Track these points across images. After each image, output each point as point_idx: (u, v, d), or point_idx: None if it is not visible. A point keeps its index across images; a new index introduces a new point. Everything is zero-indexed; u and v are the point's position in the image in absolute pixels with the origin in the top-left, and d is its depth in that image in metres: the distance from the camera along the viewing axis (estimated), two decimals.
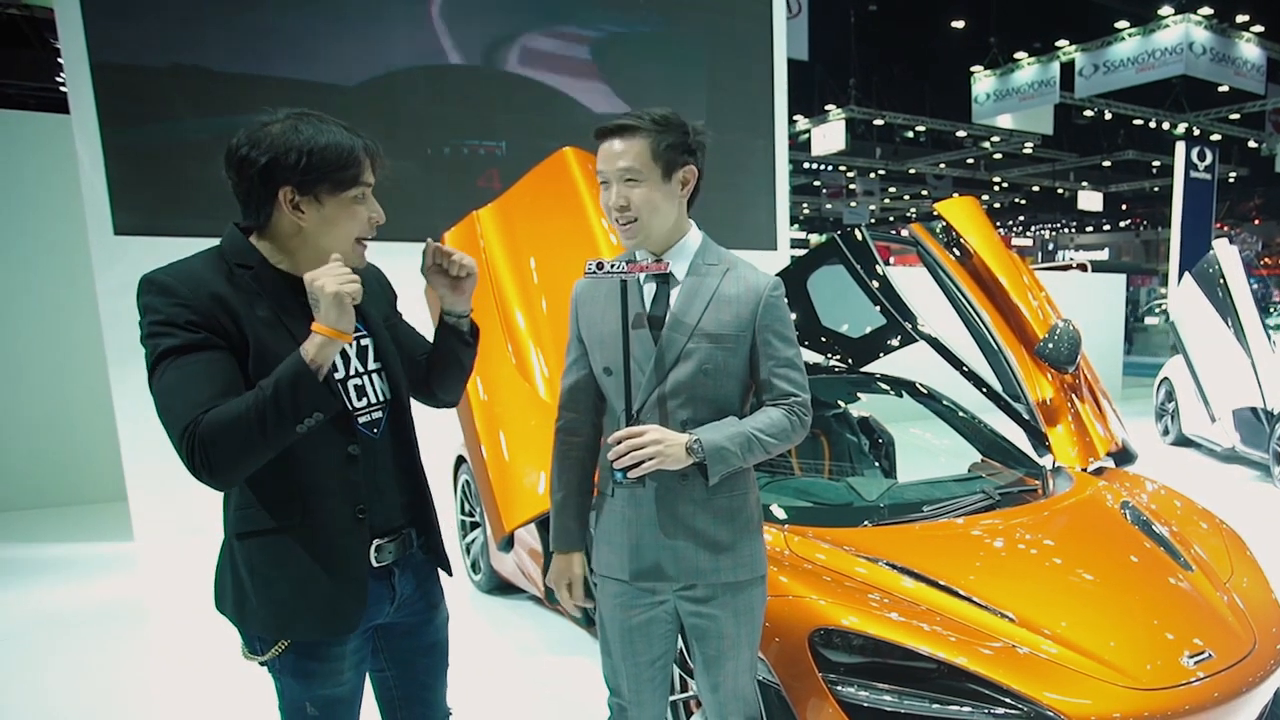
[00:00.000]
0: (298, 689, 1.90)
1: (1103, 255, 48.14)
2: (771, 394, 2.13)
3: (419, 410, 2.13)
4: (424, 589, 2.09)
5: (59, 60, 7.03)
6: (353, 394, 1.91)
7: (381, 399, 1.97)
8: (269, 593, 1.84)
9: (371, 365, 1.97)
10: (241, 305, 1.75)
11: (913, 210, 44.74)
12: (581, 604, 2.35)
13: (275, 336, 1.77)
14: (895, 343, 4.58)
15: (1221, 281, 7.78)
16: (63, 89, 6.35)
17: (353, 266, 1.85)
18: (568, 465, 2.31)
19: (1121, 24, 19.75)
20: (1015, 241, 49.13)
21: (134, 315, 1.75)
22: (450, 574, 2.18)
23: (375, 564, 1.93)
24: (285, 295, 1.81)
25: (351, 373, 1.92)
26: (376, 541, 1.93)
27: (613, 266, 2.02)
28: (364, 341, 1.96)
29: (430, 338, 2.19)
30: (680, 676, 3.03)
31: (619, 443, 2.01)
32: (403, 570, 2.02)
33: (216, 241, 1.87)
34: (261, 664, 1.91)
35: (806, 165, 32.04)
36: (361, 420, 1.91)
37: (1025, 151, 31.05)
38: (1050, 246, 51.76)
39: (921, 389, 4.54)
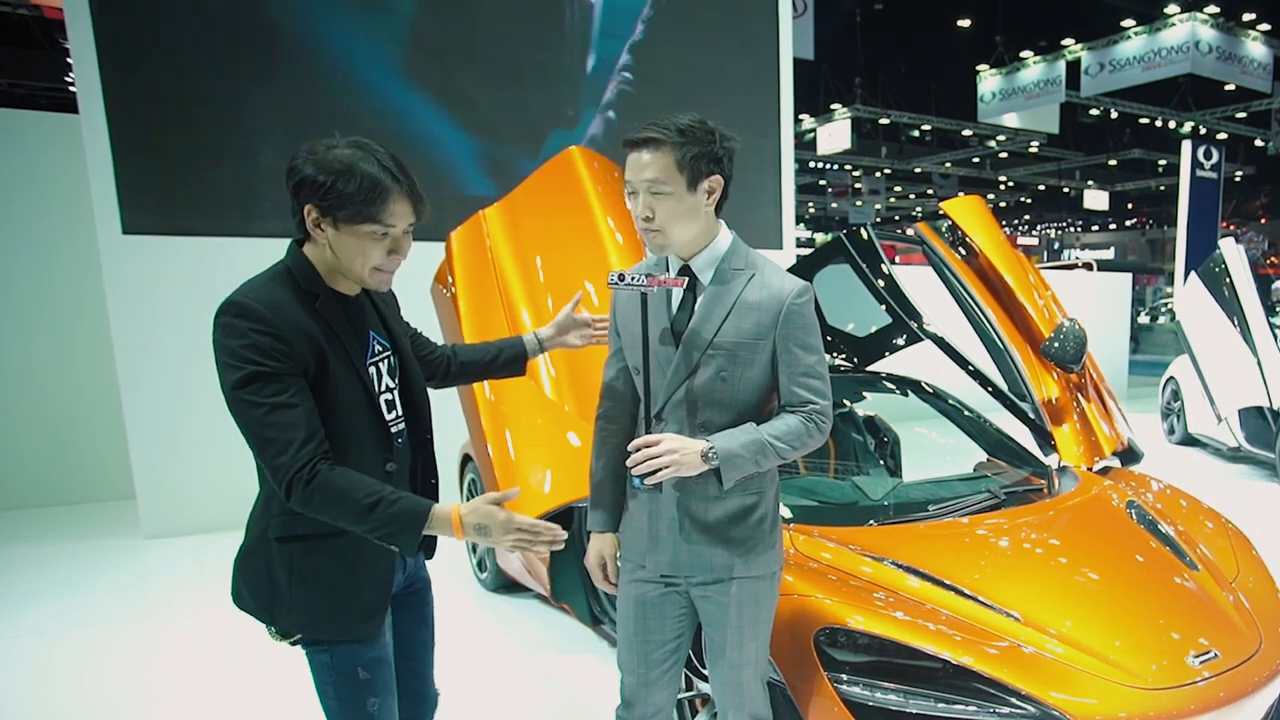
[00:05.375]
0: (350, 654, 1.99)
1: (1108, 254, 48.01)
2: (790, 401, 2.17)
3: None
4: (419, 563, 2.27)
5: (69, 60, 7.06)
6: (383, 407, 2.02)
7: (404, 411, 2.10)
8: (305, 595, 1.94)
9: (398, 380, 2.10)
10: (320, 335, 1.88)
11: (918, 209, 44.69)
12: (615, 582, 2.42)
13: (341, 363, 1.92)
14: (901, 341, 4.58)
15: (1227, 281, 7.76)
16: (73, 89, 6.36)
17: (373, 290, 2.01)
18: (605, 451, 2.40)
19: (1128, 23, 19.72)
20: (1021, 240, 49.09)
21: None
22: (430, 556, 2.26)
23: None
24: (344, 322, 1.95)
25: (383, 389, 2.03)
26: None
27: (633, 280, 2.07)
28: (392, 359, 2.09)
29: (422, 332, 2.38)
30: (686, 676, 3.04)
31: (638, 450, 2.07)
32: None
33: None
34: (293, 644, 2.00)
35: (812, 164, 32.00)
36: (393, 430, 2.03)
37: (1031, 150, 30.96)
38: (1056, 245, 51.66)
39: (927, 388, 4.54)
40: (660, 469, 2.04)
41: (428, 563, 2.32)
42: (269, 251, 1.99)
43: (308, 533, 1.92)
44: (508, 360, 2.48)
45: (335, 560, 1.95)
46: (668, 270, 2.23)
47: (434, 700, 2.36)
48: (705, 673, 2.95)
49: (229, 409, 1.80)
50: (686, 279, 2.16)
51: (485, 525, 1.84)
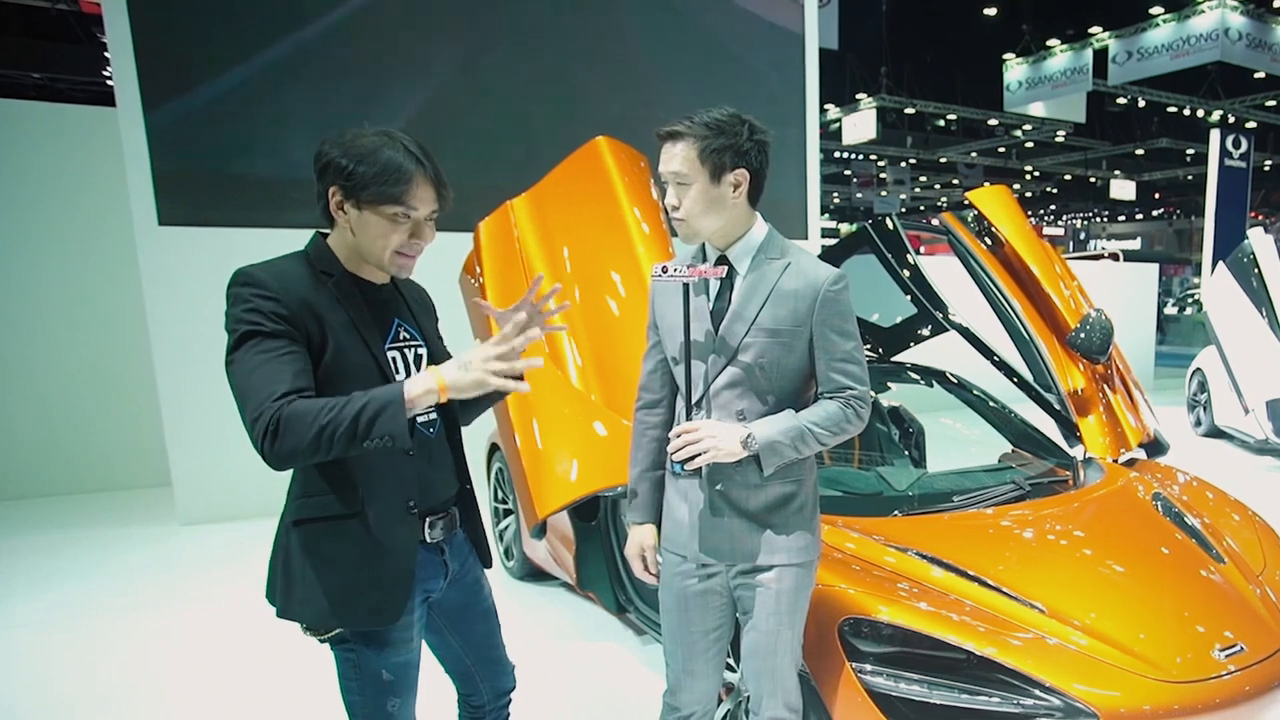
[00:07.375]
0: (376, 658, 2.01)
1: (1135, 244, 47.47)
2: (828, 387, 2.21)
3: None
4: (469, 564, 2.28)
5: (106, 55, 7.15)
6: None
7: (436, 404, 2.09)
8: (319, 581, 1.93)
9: None
10: (326, 311, 1.89)
11: (944, 199, 44.40)
12: (655, 573, 2.47)
13: (351, 341, 1.92)
14: (926, 332, 4.59)
15: (1256, 271, 7.70)
16: (110, 83, 6.44)
17: (392, 276, 2.02)
18: (643, 443, 2.46)
19: (1156, 10, 19.44)
20: (1047, 230, 48.66)
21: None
22: (489, 565, 2.34)
23: (429, 540, 2.07)
24: (360, 304, 1.96)
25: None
26: (429, 518, 2.07)
27: (676, 270, 2.13)
28: (420, 350, 2.10)
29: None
30: None
31: (679, 436, 2.13)
32: (453, 549, 2.18)
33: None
34: (322, 640, 2.00)
35: (837, 154, 31.83)
36: (420, 420, 2.04)
37: (1057, 140, 30.69)
38: (1082, 235, 51.11)
39: (952, 379, 4.53)
40: (699, 454, 2.10)
41: (487, 571, 2.36)
42: (300, 243, 2.03)
43: (321, 515, 1.93)
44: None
45: (350, 545, 1.93)
46: (705, 261, 2.27)
47: (512, 670, 2.46)
48: (729, 662, 2.99)
49: (226, 375, 1.80)
50: (725, 268, 2.21)
51: (466, 361, 1.80)
